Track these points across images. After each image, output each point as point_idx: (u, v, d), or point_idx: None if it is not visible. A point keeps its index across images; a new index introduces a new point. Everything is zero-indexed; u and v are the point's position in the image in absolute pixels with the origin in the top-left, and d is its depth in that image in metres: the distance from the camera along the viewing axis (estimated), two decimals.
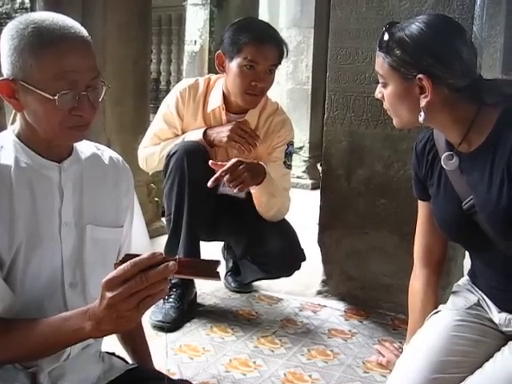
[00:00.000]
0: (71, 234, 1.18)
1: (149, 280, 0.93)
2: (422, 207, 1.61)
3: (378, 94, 1.45)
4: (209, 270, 0.98)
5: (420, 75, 1.31)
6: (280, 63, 2.23)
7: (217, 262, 0.99)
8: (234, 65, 2.16)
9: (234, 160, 2.01)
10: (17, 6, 8.55)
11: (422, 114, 1.35)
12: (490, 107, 1.35)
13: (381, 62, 1.39)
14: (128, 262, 0.93)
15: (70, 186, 1.19)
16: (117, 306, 0.94)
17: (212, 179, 1.99)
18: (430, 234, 1.60)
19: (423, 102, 1.33)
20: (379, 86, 1.43)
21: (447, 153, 1.43)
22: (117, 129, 3.15)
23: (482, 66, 2.69)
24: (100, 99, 1.14)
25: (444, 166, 1.44)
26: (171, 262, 0.93)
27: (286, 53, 2.22)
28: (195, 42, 6.85)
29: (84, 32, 1.11)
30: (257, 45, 2.12)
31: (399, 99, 1.38)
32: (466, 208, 1.40)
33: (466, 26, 2.08)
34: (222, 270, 0.94)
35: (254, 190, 2.17)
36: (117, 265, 0.95)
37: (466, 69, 1.32)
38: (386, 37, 1.36)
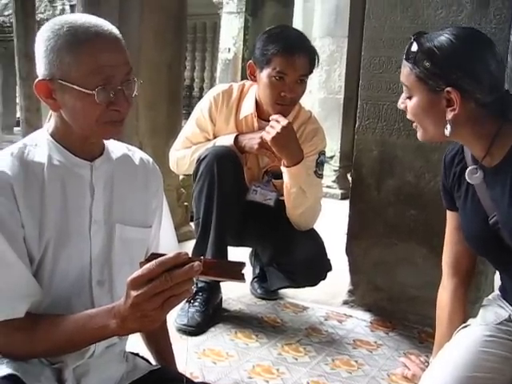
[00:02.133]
0: (100, 232, 1.19)
1: (173, 280, 0.93)
2: (450, 217, 1.59)
3: (400, 105, 1.44)
4: (234, 271, 0.98)
5: (449, 88, 1.30)
6: (311, 72, 2.22)
7: (242, 264, 0.99)
8: (264, 75, 2.16)
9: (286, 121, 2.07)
10: (58, 12, 8.76)
11: (449, 126, 1.34)
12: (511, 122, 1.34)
13: (407, 73, 1.37)
14: (153, 261, 0.94)
15: (101, 185, 1.21)
16: (141, 304, 0.95)
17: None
18: (458, 244, 1.58)
19: (450, 115, 1.32)
20: (403, 96, 1.42)
21: (472, 167, 1.42)
22: (149, 133, 3.18)
23: None
24: (133, 94, 1.16)
25: (468, 180, 1.43)
26: (196, 263, 0.93)
27: (317, 62, 2.21)
28: (229, 49, 6.90)
29: (116, 30, 1.14)
30: (285, 56, 2.11)
31: (424, 111, 1.37)
32: (492, 223, 1.39)
33: (503, 36, 2.07)
34: (247, 272, 0.94)
35: (286, 177, 2.15)
36: (142, 263, 0.95)
37: (494, 84, 1.31)
38: (415, 47, 1.34)
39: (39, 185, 1.12)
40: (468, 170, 1.43)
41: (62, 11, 8.65)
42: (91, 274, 1.18)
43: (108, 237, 1.21)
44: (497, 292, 1.59)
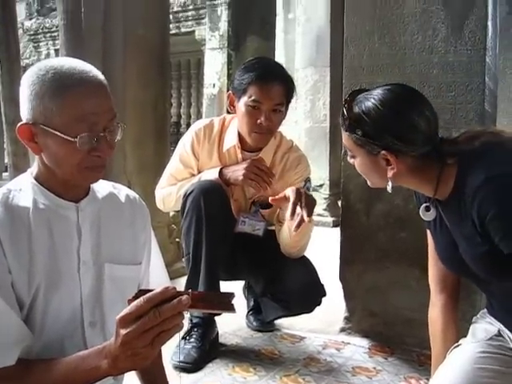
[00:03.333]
0: (90, 273, 1.19)
1: (162, 315, 0.93)
2: (430, 236, 1.61)
3: (350, 160, 1.51)
4: (223, 302, 0.98)
5: (383, 151, 1.37)
6: (288, 102, 2.23)
7: (231, 295, 0.98)
8: (241, 104, 2.19)
9: (292, 189, 1.98)
10: (43, 56, 8.83)
11: (390, 183, 1.42)
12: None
13: (346, 138, 1.45)
14: (141, 298, 0.94)
15: (88, 225, 1.21)
16: (131, 342, 0.94)
17: (296, 224, 1.94)
18: None
19: (390, 173, 1.40)
20: (349, 155, 1.50)
21: (424, 205, 1.50)
22: (137, 171, 3.19)
23: (499, 97, 2.69)
24: (116, 140, 1.17)
25: (422, 217, 1.51)
26: (184, 296, 0.93)
27: (294, 91, 2.23)
28: (214, 85, 6.97)
29: (101, 76, 1.15)
30: (260, 84, 2.14)
31: (369, 169, 1.45)
32: (460, 250, 1.43)
33: (478, 57, 2.11)
34: (239, 303, 0.93)
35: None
36: (130, 301, 0.95)
37: (425, 139, 1.37)
38: (346, 116, 1.42)
39: (25, 229, 1.12)
40: (421, 208, 1.51)
41: (47, 56, 8.72)
42: (83, 316, 1.18)
43: (97, 277, 1.21)
44: (484, 309, 1.60)
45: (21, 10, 8.29)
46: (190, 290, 0.95)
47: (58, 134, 1.09)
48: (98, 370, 1.01)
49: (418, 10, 2.22)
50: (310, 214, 1.95)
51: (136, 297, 0.95)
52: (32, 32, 8.76)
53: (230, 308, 0.97)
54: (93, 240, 1.21)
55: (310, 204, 1.97)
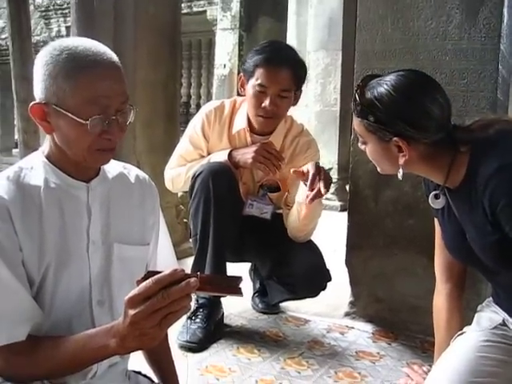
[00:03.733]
0: (99, 253, 1.20)
1: (170, 297, 0.93)
2: (438, 225, 1.61)
3: (361, 147, 1.50)
4: (231, 286, 0.99)
5: (395, 138, 1.36)
6: (296, 88, 2.22)
7: (239, 278, 0.99)
8: (249, 86, 2.19)
9: (312, 164, 2.02)
10: (53, 33, 8.81)
11: (401, 171, 1.42)
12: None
13: (357, 124, 1.44)
14: (149, 280, 0.94)
15: (98, 205, 1.21)
16: (140, 323, 0.95)
17: (312, 196, 2.00)
18: None
19: (401, 160, 1.39)
20: (360, 141, 1.49)
21: (434, 192, 1.49)
22: (147, 151, 3.20)
23: (511, 85, 2.67)
24: (128, 123, 1.17)
25: (432, 205, 1.50)
26: (193, 279, 0.94)
27: (303, 77, 2.22)
28: (224, 65, 6.95)
29: (115, 58, 1.14)
30: (267, 68, 2.13)
31: (380, 156, 1.44)
32: (468, 239, 1.43)
33: (492, 44, 2.09)
34: (246, 287, 0.94)
35: (307, 208, 2.14)
36: (139, 282, 0.96)
37: (438, 126, 1.36)
38: (358, 102, 1.41)
39: (36, 208, 1.12)
40: (430, 196, 1.50)
41: (58, 33, 8.70)
42: (91, 295, 1.19)
43: (106, 257, 1.21)
44: (490, 298, 1.61)
45: None
46: (198, 273, 0.96)
47: (70, 115, 1.08)
48: (106, 348, 1.02)
49: None
50: (327, 187, 2.00)
51: (145, 278, 0.95)
52: (43, 8, 8.72)
53: (238, 291, 0.97)
54: (102, 220, 1.22)
55: (327, 178, 2.01)
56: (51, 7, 8.60)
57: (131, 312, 0.95)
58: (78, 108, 1.08)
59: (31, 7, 6.56)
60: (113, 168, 1.29)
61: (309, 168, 2.00)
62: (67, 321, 1.15)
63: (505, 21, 2.14)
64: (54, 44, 1.14)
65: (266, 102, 2.15)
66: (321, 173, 1.99)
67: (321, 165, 2.08)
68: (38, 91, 1.12)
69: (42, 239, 1.11)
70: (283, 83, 2.16)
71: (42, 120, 1.13)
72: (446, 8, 2.16)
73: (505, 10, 2.13)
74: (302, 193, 2.06)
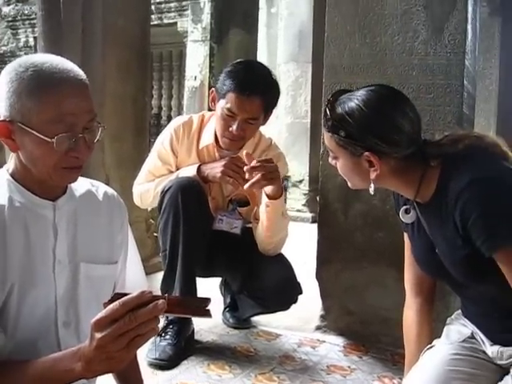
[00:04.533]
0: (65, 273, 1.18)
1: (138, 319, 0.92)
2: (407, 239, 1.62)
3: (331, 162, 1.50)
4: (199, 307, 0.98)
5: (366, 153, 1.37)
6: (267, 113, 2.21)
7: (207, 300, 0.99)
8: (218, 106, 2.18)
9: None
10: (21, 44, 8.68)
11: (372, 185, 1.42)
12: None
13: (328, 139, 1.44)
14: (116, 302, 0.93)
15: (64, 224, 1.20)
16: (106, 346, 0.94)
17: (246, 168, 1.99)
18: None
19: (373, 175, 1.40)
20: (331, 156, 1.49)
21: (404, 207, 1.50)
22: (116, 165, 3.17)
23: (477, 97, 2.72)
24: (96, 140, 1.16)
25: (402, 219, 1.51)
26: (160, 301, 0.93)
27: (275, 103, 2.22)
28: (195, 77, 6.92)
29: (82, 75, 1.13)
30: (237, 96, 2.11)
31: (351, 171, 1.44)
32: (438, 253, 1.44)
33: (458, 60, 2.13)
34: (214, 305, 0.93)
35: (271, 204, 2.13)
36: (106, 304, 0.95)
37: (409, 140, 1.37)
38: (329, 117, 1.41)
39: (1, 228, 1.10)
40: (400, 210, 1.51)
41: (26, 43, 8.58)
42: (57, 316, 1.17)
43: (73, 276, 1.20)
44: (458, 310, 1.62)
45: None
46: (166, 295, 0.95)
47: (35, 133, 1.07)
48: (71, 372, 1.00)
49: (399, 11, 2.23)
50: (267, 178, 1.99)
51: (112, 300, 0.94)
52: (10, 18, 8.60)
53: (206, 313, 0.97)
54: (69, 239, 1.20)
55: (269, 170, 2.00)
56: (19, 17, 8.48)
57: (97, 335, 0.94)
58: (43, 126, 1.07)
59: None
60: (80, 186, 1.28)
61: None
62: (32, 342, 1.13)
63: (469, 37, 2.18)
64: (20, 60, 1.12)
65: (234, 127, 2.14)
66: (263, 163, 1.99)
67: (287, 181, 2.08)
68: (3, 109, 1.10)
69: (5, 259, 1.09)
70: (252, 112, 2.15)
71: (7, 138, 1.11)
72: (412, 24, 2.20)
73: (469, 27, 2.17)
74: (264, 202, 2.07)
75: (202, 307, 0.98)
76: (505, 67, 6.28)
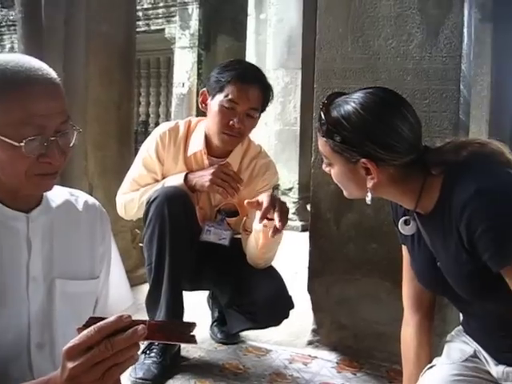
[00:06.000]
0: (39, 290, 1.11)
1: (114, 347, 0.84)
2: (406, 252, 1.54)
3: (325, 169, 1.42)
4: (183, 333, 0.90)
5: (363, 159, 1.29)
6: (263, 109, 2.19)
7: (192, 325, 0.91)
8: (215, 102, 2.12)
9: (267, 195, 1.92)
10: (7, 50, 8.60)
11: (369, 194, 1.34)
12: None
13: (323, 145, 1.36)
14: (91, 327, 0.85)
15: (39, 238, 1.12)
16: (79, 377, 0.85)
17: (271, 231, 1.90)
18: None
19: (370, 183, 1.31)
20: (325, 162, 1.40)
21: (403, 218, 1.42)
22: (99, 173, 3.09)
23: (471, 105, 2.66)
24: (71, 144, 1.08)
25: (401, 231, 1.43)
26: (140, 326, 0.85)
27: (270, 98, 2.19)
28: (183, 84, 6.88)
29: (52, 74, 1.06)
30: (239, 84, 2.09)
31: (347, 179, 1.36)
32: (440, 267, 1.37)
33: (454, 64, 2.07)
34: (197, 332, 0.86)
35: (269, 224, 2.01)
36: (80, 329, 0.86)
37: (408, 146, 1.29)
38: (324, 121, 1.33)
39: None
40: (400, 222, 1.43)
41: (12, 49, 8.50)
42: (30, 337, 1.09)
43: (48, 294, 1.12)
44: (460, 327, 1.55)
45: None
46: (147, 320, 0.86)
47: (2, 137, 0.99)
48: None
49: (393, 13, 2.17)
50: (283, 220, 1.89)
51: (86, 325, 0.86)
52: None
53: (191, 340, 0.89)
54: (44, 254, 1.12)
55: (283, 210, 1.91)
56: (3, 23, 8.42)
57: (70, 365, 0.85)
58: (10, 129, 0.99)
59: None
60: (57, 195, 1.20)
61: (263, 199, 1.90)
62: (2, 364, 1.04)
63: (465, 41, 2.12)
64: None
65: (235, 120, 2.09)
66: (275, 204, 1.89)
67: (277, 190, 2.01)
68: None
69: None
70: (253, 101, 2.12)
71: None
72: (406, 27, 2.14)
73: (465, 30, 2.11)
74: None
75: (186, 333, 0.89)
76: (496, 73, 6.30)
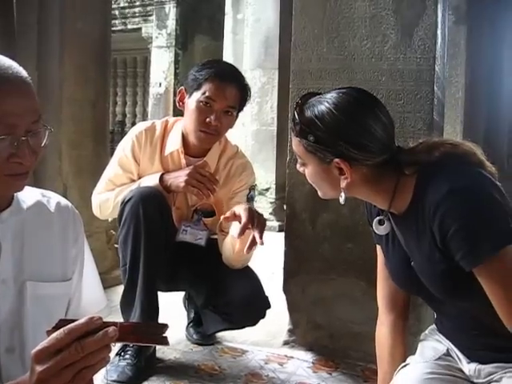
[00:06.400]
0: (9, 293, 1.08)
1: (85, 349, 0.82)
2: (380, 252, 1.54)
3: (299, 169, 1.42)
4: (155, 335, 0.88)
5: (336, 159, 1.29)
6: (241, 108, 2.19)
7: (164, 326, 0.89)
8: (192, 100, 2.11)
9: (244, 208, 1.90)
10: None
11: (343, 194, 1.34)
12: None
13: (297, 145, 1.36)
14: (61, 330, 0.83)
15: (9, 240, 1.09)
16: (49, 380, 0.83)
17: (248, 246, 1.89)
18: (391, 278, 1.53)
19: (343, 183, 1.32)
20: (299, 162, 1.40)
21: (378, 218, 1.42)
22: (74, 173, 3.05)
23: (445, 106, 2.69)
24: (42, 144, 1.06)
25: (376, 231, 1.43)
26: (111, 328, 0.83)
27: (248, 98, 2.19)
28: (160, 84, 6.84)
29: (23, 72, 1.04)
30: (217, 82, 2.08)
31: (320, 179, 1.36)
32: (414, 267, 1.37)
33: (428, 65, 2.09)
34: (169, 333, 0.85)
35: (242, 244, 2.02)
36: (50, 332, 0.84)
37: (382, 146, 1.29)
38: (297, 121, 1.33)
39: None
40: (374, 222, 1.43)
41: None
42: None
43: (19, 297, 1.09)
44: (433, 325, 1.55)
45: None
46: (118, 321, 0.85)
47: None
48: None
49: (368, 14, 2.18)
50: (261, 235, 1.87)
51: (56, 327, 0.84)
52: None
53: (163, 341, 0.87)
54: (15, 256, 1.10)
55: (262, 224, 1.90)
56: None
57: (38, 368, 0.83)
58: None
59: None
60: (28, 197, 1.17)
61: (240, 213, 1.89)
62: None
63: (439, 42, 2.14)
64: None
65: (212, 117, 2.08)
66: (254, 219, 1.88)
67: (254, 191, 2.02)
68: None
69: None
70: (231, 100, 2.11)
71: None
72: (381, 28, 2.15)
73: (438, 32, 2.13)
74: (236, 227, 1.95)
75: (158, 334, 0.88)
76: (470, 75, 6.36)
